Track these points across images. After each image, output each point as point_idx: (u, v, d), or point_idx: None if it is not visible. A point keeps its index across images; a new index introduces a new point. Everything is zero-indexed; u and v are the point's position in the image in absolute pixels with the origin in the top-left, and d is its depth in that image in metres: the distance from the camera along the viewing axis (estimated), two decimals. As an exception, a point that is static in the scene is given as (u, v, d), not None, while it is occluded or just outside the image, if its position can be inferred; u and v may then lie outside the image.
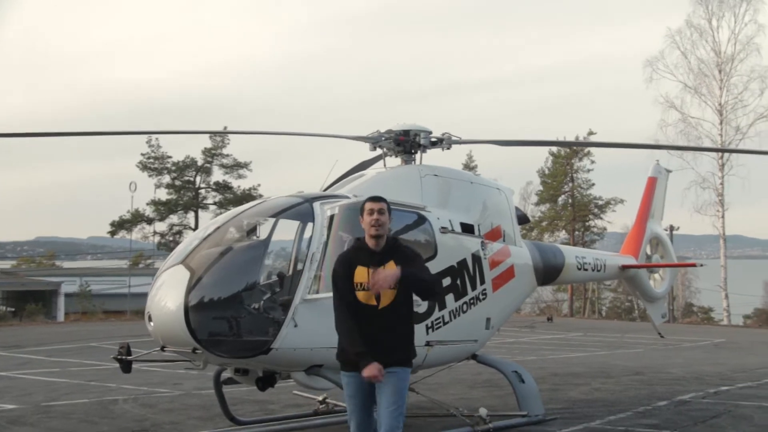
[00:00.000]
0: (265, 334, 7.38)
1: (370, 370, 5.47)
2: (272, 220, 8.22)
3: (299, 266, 7.93)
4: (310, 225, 8.00)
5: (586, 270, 12.39)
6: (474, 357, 10.02)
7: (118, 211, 45.23)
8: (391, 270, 5.57)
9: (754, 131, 44.09)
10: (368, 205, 5.80)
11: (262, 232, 8.20)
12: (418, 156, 9.93)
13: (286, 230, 8.26)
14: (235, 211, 8.48)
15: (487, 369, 12.24)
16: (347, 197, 8.37)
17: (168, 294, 7.38)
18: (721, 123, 44.75)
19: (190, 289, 7.28)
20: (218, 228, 8.04)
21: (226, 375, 8.79)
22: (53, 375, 15.11)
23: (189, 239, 8.13)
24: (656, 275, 14.31)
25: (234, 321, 7.44)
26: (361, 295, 5.63)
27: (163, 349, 7.57)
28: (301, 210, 8.11)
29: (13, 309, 44.16)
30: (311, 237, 7.84)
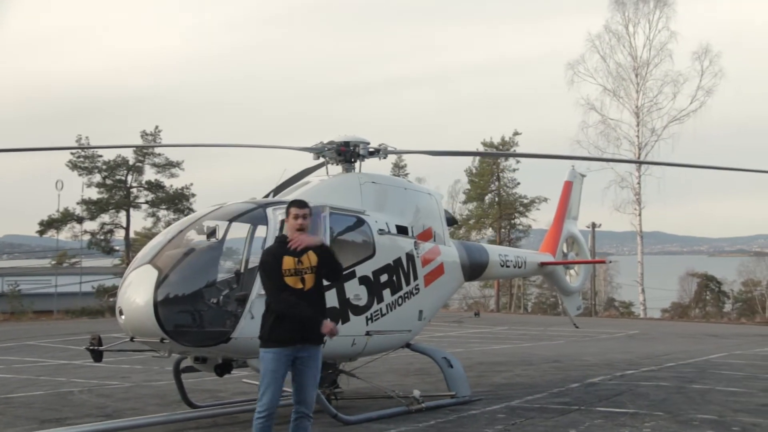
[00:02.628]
0: (225, 325, 8.34)
1: (329, 326, 6.61)
2: (229, 223, 9.16)
3: (254, 264, 8.87)
4: (263, 228, 8.97)
5: (508, 267, 13.66)
6: (408, 345, 11.14)
7: (38, 209, 44.84)
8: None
9: (668, 133, 46.65)
10: (294, 210, 6.92)
11: (221, 234, 9.13)
12: (357, 165, 10.99)
13: (242, 232, 9.20)
14: (195, 215, 9.40)
15: (419, 359, 13.45)
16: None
17: (137, 290, 8.26)
18: (638, 125, 47.13)
19: (157, 286, 8.18)
20: (181, 231, 8.96)
21: (185, 364, 9.68)
22: (0, 372, 15.59)
23: (154, 241, 9.01)
24: (572, 271, 15.71)
25: (197, 314, 8.38)
26: (289, 279, 6.69)
27: (132, 339, 8.44)
28: (255, 215, 9.08)
29: None
30: (265, 238, 8.80)
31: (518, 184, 53.19)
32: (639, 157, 46.60)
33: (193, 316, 8.37)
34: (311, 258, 6.76)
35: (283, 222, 8.94)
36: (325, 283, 7.02)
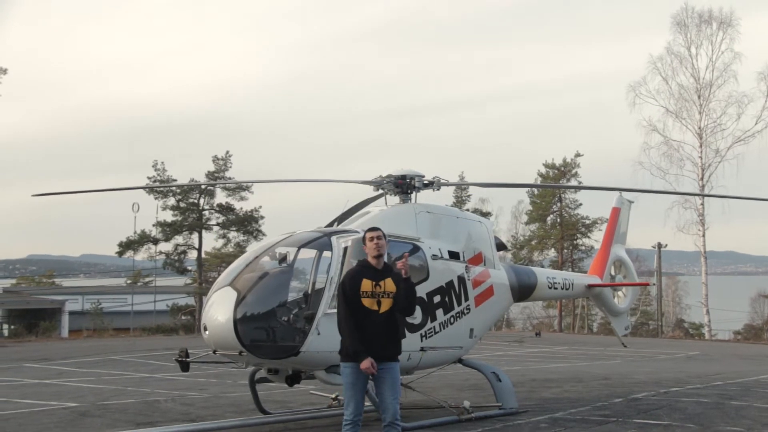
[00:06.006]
0: (295, 341, 9.53)
1: (366, 363, 7.40)
2: (298, 250, 10.37)
3: (320, 286, 10.03)
4: (328, 254, 10.14)
5: (556, 288, 14.58)
6: (460, 361, 12.16)
7: (113, 231, 47.07)
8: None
9: (732, 154, 46.43)
10: (368, 234, 7.87)
11: (291, 260, 10.35)
12: (413, 196, 12.12)
13: (310, 258, 10.39)
14: (268, 242, 10.67)
15: (474, 375, 14.43)
16: (357, 232, 10.52)
17: (219, 309, 9.53)
18: (701, 146, 47.04)
19: (237, 305, 9.43)
20: (257, 257, 10.23)
21: (259, 375, 10.92)
22: (91, 382, 17.14)
23: (233, 265, 10.29)
24: (620, 293, 16.50)
25: (271, 330, 9.60)
26: (366, 301, 7.56)
27: (215, 352, 9.73)
28: (321, 242, 10.28)
29: (13, 326, 45.94)
30: (330, 264, 9.98)
31: (580, 205, 53.66)
32: (702, 178, 46.53)
33: (267, 332, 9.58)
34: (389, 284, 7.57)
35: (346, 249, 10.12)
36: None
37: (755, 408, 12.42)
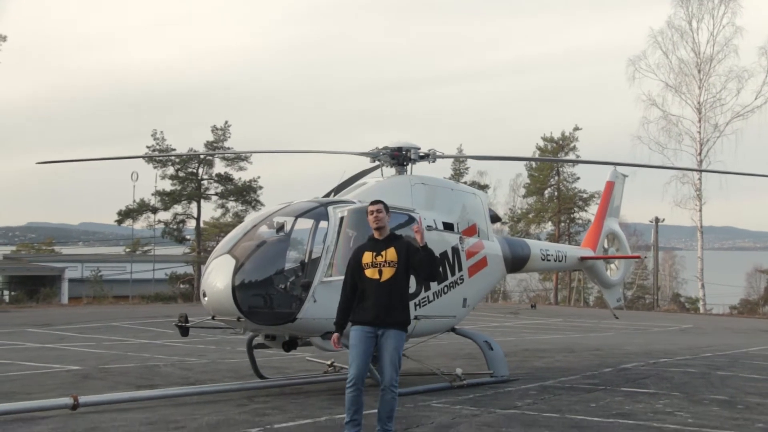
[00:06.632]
0: (292, 307, 9.77)
1: (335, 337, 7.66)
2: (296, 219, 10.59)
3: (316, 255, 10.25)
4: (325, 224, 10.36)
5: (549, 260, 14.83)
6: (453, 330, 12.43)
7: (112, 199, 47.24)
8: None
9: (731, 129, 46.56)
10: (370, 208, 8.03)
11: (288, 229, 10.57)
12: (409, 168, 12.32)
13: (307, 227, 10.62)
14: (266, 211, 10.90)
15: (468, 345, 14.73)
16: (353, 202, 10.73)
17: (218, 276, 9.77)
18: (699, 121, 47.12)
19: (235, 273, 9.66)
20: (255, 225, 10.47)
21: (256, 341, 11.19)
22: (92, 347, 17.45)
23: (232, 234, 10.51)
24: (612, 265, 16.76)
25: (268, 297, 9.85)
26: (368, 272, 7.69)
27: (213, 318, 9.98)
28: (318, 212, 10.49)
29: (14, 293, 46.39)
30: (326, 233, 10.20)
31: (578, 179, 53.84)
32: (700, 153, 46.68)
33: (264, 299, 9.83)
34: (390, 253, 7.68)
35: (342, 218, 10.33)
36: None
37: (740, 378, 12.75)
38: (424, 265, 7.78)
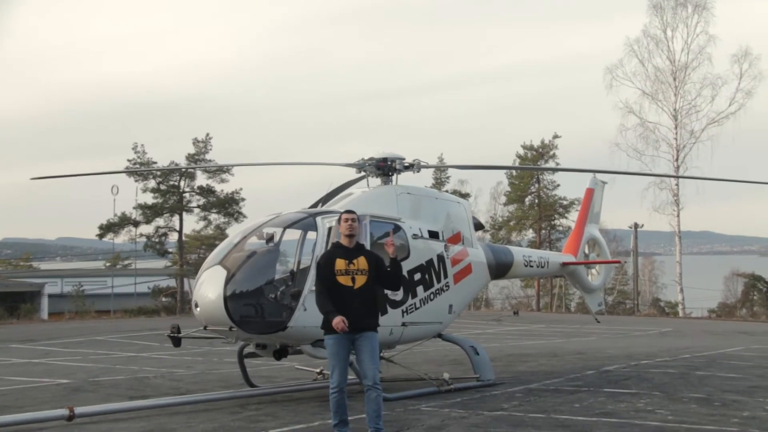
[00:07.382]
0: (282, 316, 9.99)
1: (337, 319, 7.76)
2: (284, 230, 10.81)
3: (306, 265, 10.48)
4: (313, 234, 10.60)
5: (532, 266, 15.15)
6: (439, 336, 12.70)
7: (91, 213, 47.13)
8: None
9: (707, 135, 47.25)
10: (344, 216, 8.36)
11: (277, 239, 10.80)
12: (394, 178, 12.59)
13: (296, 238, 10.84)
14: (255, 222, 11.10)
15: (453, 351, 15.01)
16: (341, 212, 10.95)
17: (210, 287, 9.98)
18: (676, 127, 47.82)
19: (226, 283, 9.88)
20: (244, 237, 10.68)
21: (247, 350, 11.39)
22: (79, 361, 17.51)
23: (222, 245, 10.73)
24: (593, 270, 17.11)
25: (259, 306, 10.07)
26: (341, 278, 7.99)
27: (205, 328, 10.18)
28: (307, 222, 10.73)
29: None
30: (315, 243, 10.44)
31: (558, 186, 54.24)
32: (677, 159, 47.34)
33: (256, 308, 10.04)
34: (362, 262, 8.00)
35: (330, 229, 10.58)
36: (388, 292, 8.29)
37: (718, 377, 13.12)
38: (391, 278, 8.32)
